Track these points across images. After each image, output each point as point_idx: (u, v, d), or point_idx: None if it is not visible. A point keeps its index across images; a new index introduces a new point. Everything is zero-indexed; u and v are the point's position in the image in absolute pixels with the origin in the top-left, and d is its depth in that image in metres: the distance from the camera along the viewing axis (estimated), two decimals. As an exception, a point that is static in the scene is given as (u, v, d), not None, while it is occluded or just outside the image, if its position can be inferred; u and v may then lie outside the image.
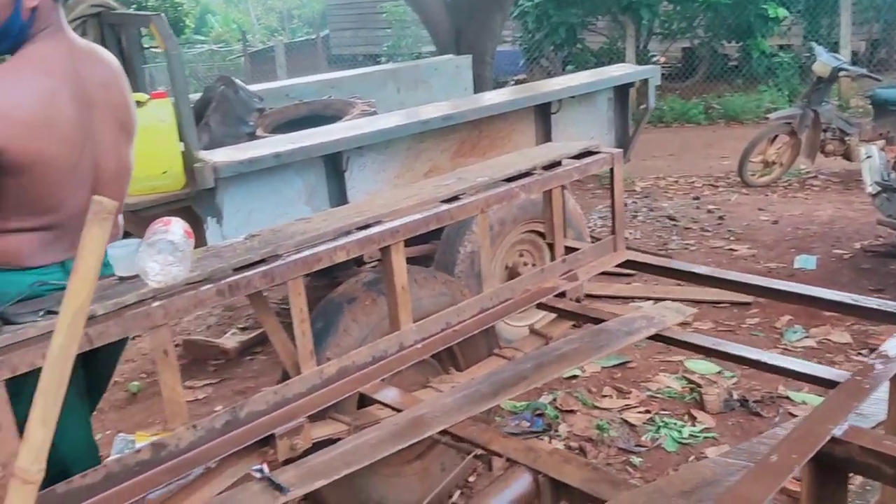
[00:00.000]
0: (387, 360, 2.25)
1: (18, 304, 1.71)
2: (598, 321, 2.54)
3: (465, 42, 6.81)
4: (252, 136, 3.51)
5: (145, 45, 3.79)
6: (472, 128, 3.70)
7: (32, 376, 1.60)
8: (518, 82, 11.39)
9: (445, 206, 2.38)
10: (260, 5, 22.66)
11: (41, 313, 1.69)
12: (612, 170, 2.90)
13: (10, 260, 1.85)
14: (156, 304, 1.78)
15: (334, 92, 4.43)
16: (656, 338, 2.39)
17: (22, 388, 1.66)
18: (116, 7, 3.26)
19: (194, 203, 2.94)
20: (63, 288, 1.79)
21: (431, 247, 3.68)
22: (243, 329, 4.14)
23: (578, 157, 2.88)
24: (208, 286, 1.87)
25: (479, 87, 5.84)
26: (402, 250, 2.26)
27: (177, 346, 3.85)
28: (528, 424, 3.04)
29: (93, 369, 2.06)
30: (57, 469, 1.69)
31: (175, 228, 1.81)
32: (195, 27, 18.31)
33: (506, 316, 2.58)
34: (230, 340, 3.93)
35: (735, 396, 3.17)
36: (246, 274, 1.93)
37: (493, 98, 3.95)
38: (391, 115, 3.77)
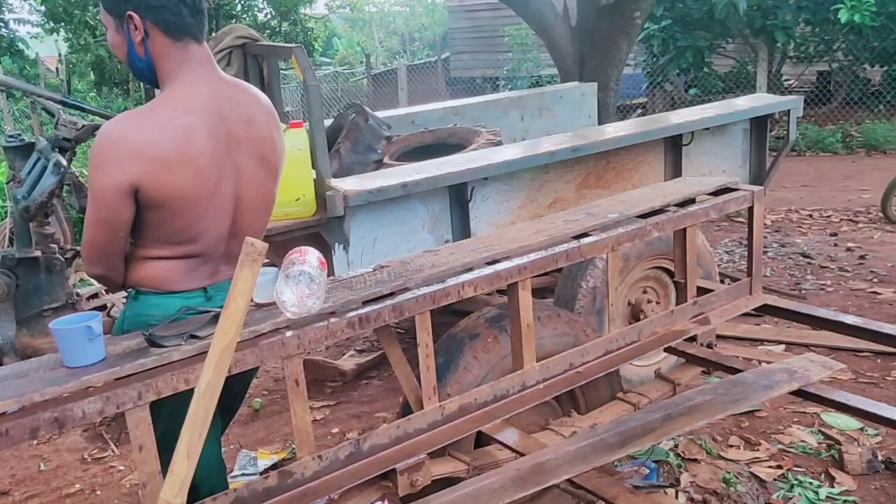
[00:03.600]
0: (508, 400, 2.21)
1: (164, 327, 1.79)
2: (732, 370, 2.41)
3: (590, 68, 6.72)
4: (379, 164, 3.57)
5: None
6: (599, 159, 3.62)
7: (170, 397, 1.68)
8: (638, 106, 11.17)
9: (575, 244, 2.33)
10: (382, 29, 23.31)
11: (185, 337, 1.76)
12: (751, 208, 2.75)
13: (155, 284, 1.94)
14: (290, 333, 1.82)
15: (458, 119, 4.45)
16: (798, 393, 2.23)
17: (160, 408, 1.73)
18: (260, 39, 3.41)
19: (323, 230, 3.02)
20: (204, 313, 1.89)
21: (550, 279, 3.62)
22: (360, 351, 4.20)
23: (715, 193, 2.76)
24: (340, 318, 1.89)
25: (602, 113, 5.74)
26: (528, 287, 2.23)
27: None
28: (647, 471, 2.91)
29: (226, 391, 2.12)
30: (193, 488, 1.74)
31: (311, 259, 1.84)
32: (322, 50, 19.05)
33: (632, 359, 2.49)
34: (348, 362, 4.00)
35: (880, 457, 2.92)
36: (376, 307, 1.95)
37: (623, 129, 3.85)
38: (517, 146, 3.74)
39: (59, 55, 13.08)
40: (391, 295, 2.01)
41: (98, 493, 3.02)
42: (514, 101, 4.85)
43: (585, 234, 2.40)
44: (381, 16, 23.44)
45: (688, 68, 10.42)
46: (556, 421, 2.41)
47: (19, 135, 3.26)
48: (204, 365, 1.27)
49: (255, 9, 11.48)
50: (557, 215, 2.65)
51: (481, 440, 2.31)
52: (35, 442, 3.38)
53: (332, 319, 1.89)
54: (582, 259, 2.40)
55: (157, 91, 1.95)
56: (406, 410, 2.23)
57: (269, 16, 11.78)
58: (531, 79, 12.48)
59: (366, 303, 1.97)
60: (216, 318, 1.80)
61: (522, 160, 3.32)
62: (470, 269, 2.15)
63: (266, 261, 1.82)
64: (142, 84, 10.84)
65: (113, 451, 3.32)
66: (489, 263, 2.20)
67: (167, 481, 1.24)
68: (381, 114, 4.22)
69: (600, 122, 5.22)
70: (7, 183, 3.09)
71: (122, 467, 3.20)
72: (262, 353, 1.78)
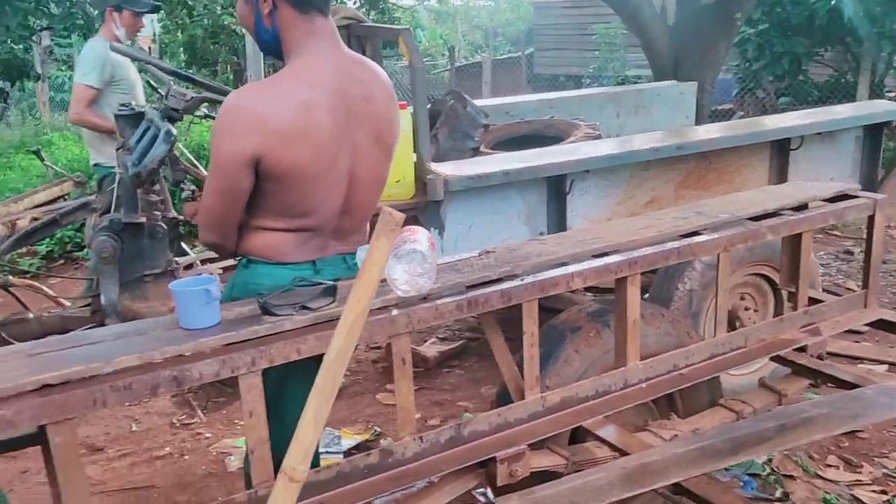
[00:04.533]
0: (610, 397, 2.15)
1: (277, 296, 1.79)
2: (847, 385, 2.29)
3: (684, 69, 6.52)
4: (476, 152, 3.54)
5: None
6: (701, 159, 3.50)
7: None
8: (728, 112, 10.82)
9: (686, 241, 2.25)
10: (466, 22, 23.29)
11: (297, 308, 1.76)
12: (871, 217, 2.61)
13: (267, 254, 1.95)
14: (399, 311, 1.80)
15: (553, 112, 4.38)
16: (922, 414, 2.10)
17: (266, 376, 1.74)
18: (365, 20, 3.42)
19: (420, 213, 3.00)
20: (315, 284, 1.88)
21: (644, 279, 3.52)
22: (442, 339, 4.19)
23: (832, 199, 2.63)
24: (448, 300, 1.87)
25: (697, 115, 5.56)
26: (638, 283, 2.16)
27: (379, 347, 3.97)
28: (741, 484, 2.80)
29: (325, 366, 2.12)
30: (280, 456, 1.75)
31: (422, 239, 1.82)
32: (405, 41, 19.10)
33: (737, 366, 2.39)
34: (430, 349, 3.99)
35: None
36: (485, 291, 1.91)
37: (730, 129, 3.72)
38: (617, 140, 3.66)
39: (154, 34, 13.52)
40: (499, 280, 1.97)
41: (186, 458, 3.09)
42: (611, 97, 4.74)
43: (696, 233, 2.31)
44: (465, 9, 23.42)
45: (783, 75, 10.03)
46: (655, 423, 2.33)
47: (130, 104, 3.36)
48: (335, 331, 1.26)
49: (345, -5, 11.60)
50: (665, 212, 2.56)
51: (574, 436, 2.26)
52: (127, 403, 3.48)
53: (441, 300, 1.86)
54: (693, 258, 2.31)
55: (249, 74, 1.96)
56: (502, 398, 2.19)
57: (357, 3, 11.89)
58: (617, 78, 12.24)
59: (474, 286, 1.94)
60: (328, 290, 1.81)
61: (625, 155, 3.24)
62: (579, 260, 2.10)
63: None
64: (229, 66, 11.09)
65: (200, 419, 3.39)
66: (597, 256, 2.15)
67: (292, 448, 1.24)
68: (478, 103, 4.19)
69: (696, 124, 5.07)
70: (117, 150, 3.18)
71: (208, 434, 3.27)
72: (371, 329, 1.77)
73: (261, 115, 1.78)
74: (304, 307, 1.77)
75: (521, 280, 1.97)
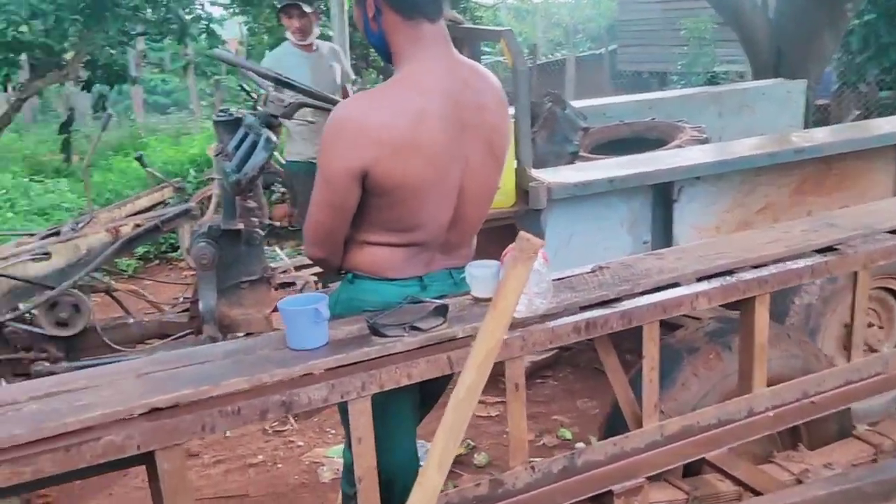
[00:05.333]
0: (734, 426, 1.98)
1: (385, 315, 1.71)
2: None
3: (787, 64, 6.16)
4: (575, 156, 3.40)
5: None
6: (821, 163, 3.26)
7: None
8: (823, 108, 10.24)
9: (821, 258, 2.06)
10: (546, 19, 22.97)
11: (407, 328, 1.67)
12: None
13: (373, 270, 1.87)
14: (514, 334, 1.69)
15: (652, 113, 4.19)
16: None
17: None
18: (463, 22, 3.32)
19: (519, 222, 2.89)
20: (421, 302, 1.79)
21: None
22: (534, 349, 4.06)
23: (982, 211, 2.38)
24: (565, 321, 1.75)
25: (805, 115, 5.24)
26: (767, 303, 1.99)
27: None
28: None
29: (429, 386, 2.03)
30: (383, 477, 1.68)
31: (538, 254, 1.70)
32: (485, 39, 18.92)
33: (875, 394, 2.18)
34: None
35: None
36: (603, 312, 1.79)
37: (851, 132, 3.46)
38: (729, 144, 3.44)
39: (242, 36, 13.81)
40: (617, 300, 1.84)
41: (279, 466, 3.07)
42: (713, 97, 4.51)
43: (830, 248, 2.12)
44: (545, 6, 23.12)
45: (890, 68, 9.43)
46: (782, 455, 2.15)
47: (227, 109, 3.36)
48: (465, 366, 1.16)
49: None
50: (792, 224, 2.36)
51: (688, 467, 2.10)
52: (235, 428, 3.50)
53: (557, 322, 1.74)
54: (828, 275, 2.12)
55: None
56: (612, 423, 2.07)
57: (439, 2, 11.84)
58: (706, 75, 11.79)
59: (590, 307, 1.81)
60: (438, 310, 1.71)
61: (739, 160, 3.04)
62: (703, 278, 1.94)
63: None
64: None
65: (292, 426, 3.37)
66: (721, 273, 1.98)
67: (415, 494, 1.14)
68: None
69: (805, 125, 4.77)
70: (215, 156, 3.18)
71: (300, 443, 3.24)
72: (484, 352, 1.67)
73: (372, 126, 1.70)
74: (413, 328, 1.68)
75: (643, 300, 1.83)
